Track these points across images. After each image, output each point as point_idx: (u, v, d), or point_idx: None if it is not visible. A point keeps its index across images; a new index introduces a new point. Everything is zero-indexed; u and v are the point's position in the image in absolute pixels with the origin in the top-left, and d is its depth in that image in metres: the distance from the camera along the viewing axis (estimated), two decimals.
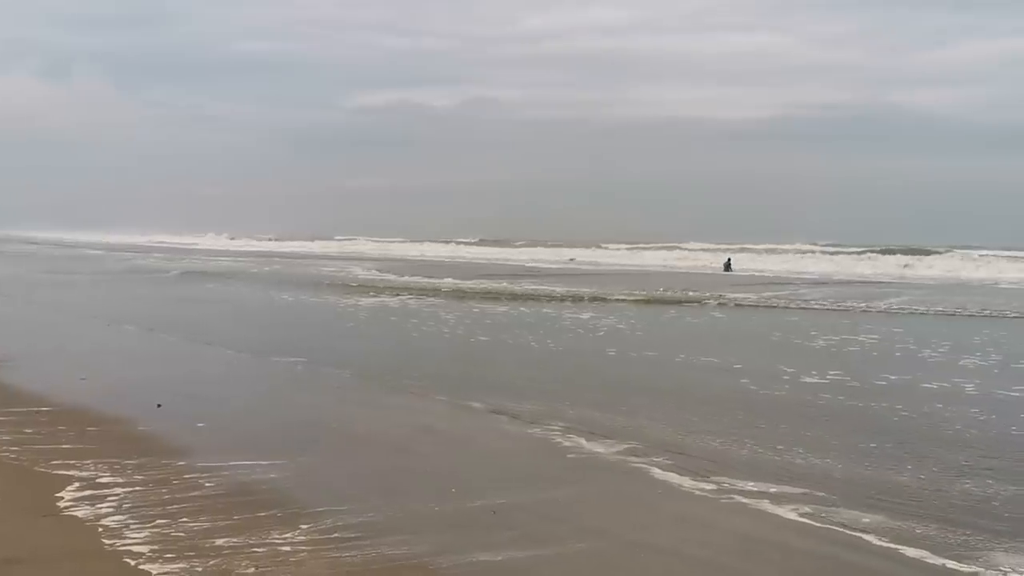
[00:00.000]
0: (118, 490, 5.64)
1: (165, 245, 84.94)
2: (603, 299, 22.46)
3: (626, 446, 7.18)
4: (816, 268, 44.83)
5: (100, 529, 4.89)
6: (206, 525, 5.04)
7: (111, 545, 4.65)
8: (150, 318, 17.25)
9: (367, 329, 16.48)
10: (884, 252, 49.48)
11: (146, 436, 7.28)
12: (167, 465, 6.32)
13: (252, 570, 4.39)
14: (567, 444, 7.32)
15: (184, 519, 5.12)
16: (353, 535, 4.99)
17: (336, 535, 4.98)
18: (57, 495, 5.49)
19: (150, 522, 5.04)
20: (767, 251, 57.35)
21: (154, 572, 4.34)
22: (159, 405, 8.52)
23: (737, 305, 20.98)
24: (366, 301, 21.53)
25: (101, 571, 4.40)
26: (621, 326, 16.51)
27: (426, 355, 12.68)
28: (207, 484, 5.88)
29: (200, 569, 4.40)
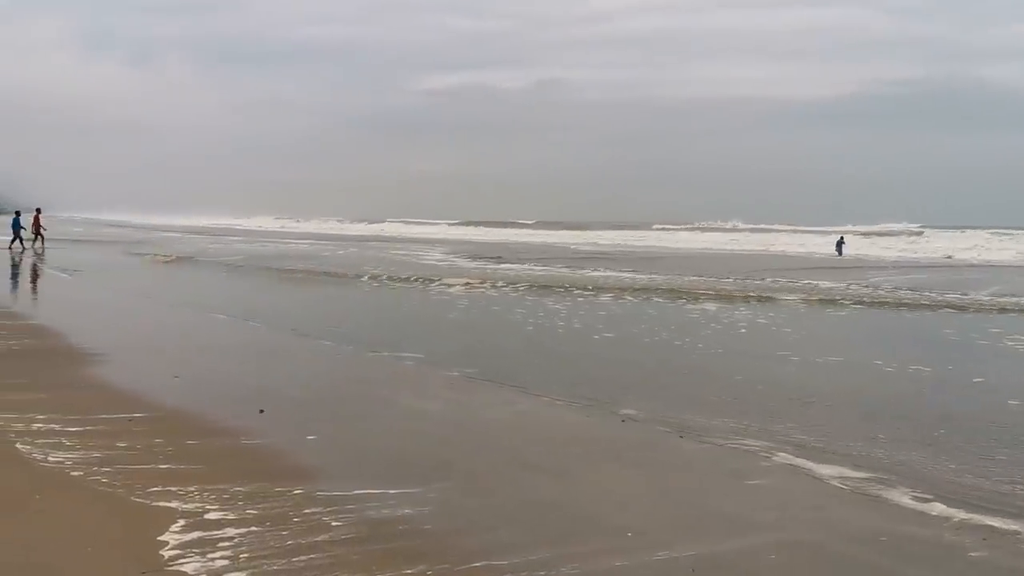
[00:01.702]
0: (231, 531, 4.61)
1: (238, 228, 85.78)
2: (735, 297, 21.09)
3: (869, 475, 5.96)
4: (927, 250, 42.66)
5: None
6: None
7: None
8: (234, 305, 16.55)
9: (468, 319, 15.46)
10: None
11: (253, 452, 6.29)
12: (282, 494, 5.29)
13: None
14: (766, 464, 6.14)
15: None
16: None
17: None
18: (159, 538, 4.48)
19: None
20: (863, 234, 55.13)
21: None
22: (261, 411, 7.58)
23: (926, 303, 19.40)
24: (453, 288, 20.56)
25: None
26: (762, 321, 15.20)
27: (551, 353, 11.55)
28: (334, 524, 4.82)
29: None
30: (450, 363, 10.13)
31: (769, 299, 18.93)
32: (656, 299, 18.95)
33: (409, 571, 4.21)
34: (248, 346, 11.70)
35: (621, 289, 20.65)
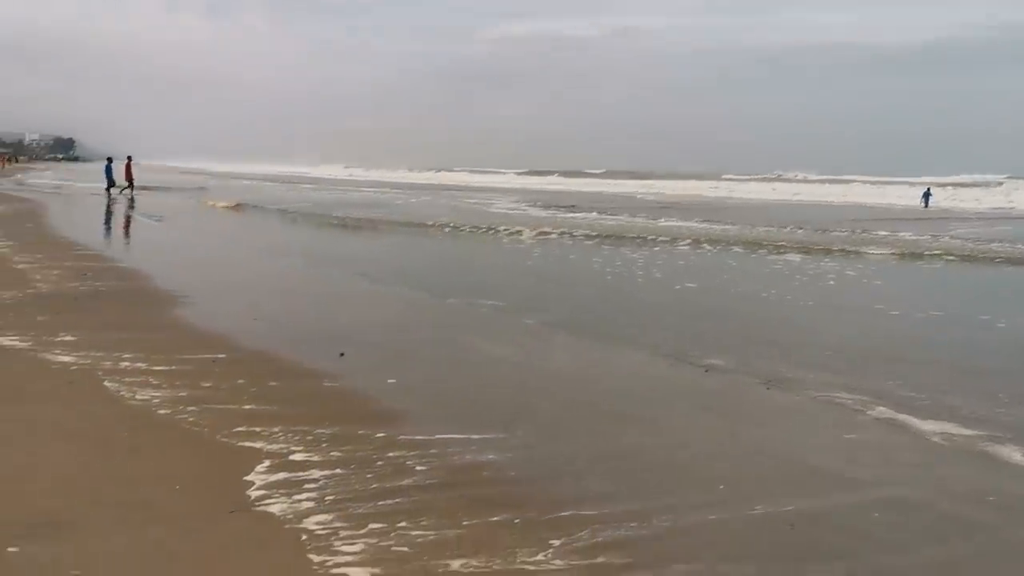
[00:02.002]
0: (316, 473, 4.57)
1: (309, 176, 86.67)
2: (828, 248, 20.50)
3: (976, 432, 5.67)
4: (1018, 202, 40.93)
5: (303, 536, 3.80)
6: (431, 536, 3.87)
7: (321, 565, 3.55)
8: (309, 251, 16.68)
9: (544, 267, 15.30)
10: None
11: (334, 395, 6.26)
12: (365, 437, 5.23)
13: None
14: (862, 418, 5.86)
15: (403, 523, 3.98)
16: (622, 559, 3.73)
17: (601, 559, 3.72)
18: (246, 478, 4.46)
19: (362, 527, 3.92)
20: (948, 185, 53.01)
21: None
22: (342, 354, 7.55)
23: None
24: (526, 236, 20.37)
25: None
26: (851, 273, 14.68)
27: (630, 302, 11.41)
28: (418, 468, 4.74)
29: None
30: (527, 311, 9.98)
31: (856, 252, 18.30)
32: (735, 249, 18.50)
33: (495, 519, 4.10)
34: (325, 291, 11.75)
35: (696, 240, 20.21)
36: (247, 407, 5.76)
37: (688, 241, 19.69)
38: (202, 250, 16.95)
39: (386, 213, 28.77)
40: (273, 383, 6.44)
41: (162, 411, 5.56)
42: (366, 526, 3.92)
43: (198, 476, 4.48)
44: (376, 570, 3.51)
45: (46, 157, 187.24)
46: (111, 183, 34.01)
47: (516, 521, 4.09)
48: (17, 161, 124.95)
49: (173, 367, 6.71)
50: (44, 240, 16.04)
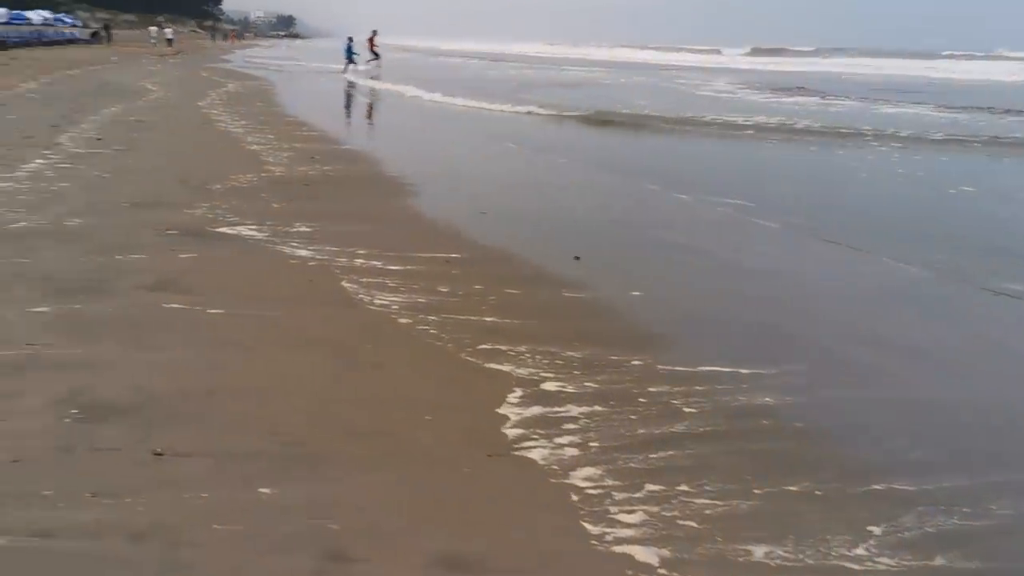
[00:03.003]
0: (573, 410, 4.07)
1: (511, 53, 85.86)
2: None
3: None
4: None
5: (574, 496, 3.31)
6: (720, 506, 3.28)
7: (600, 539, 3.04)
8: (530, 137, 16.13)
9: (779, 162, 14.05)
10: None
11: (577, 308, 5.73)
12: (620, 365, 4.67)
13: None
14: None
15: (683, 486, 3.41)
16: (967, 562, 3.00)
17: (940, 560, 3.00)
18: (498, 411, 4.02)
19: (637, 488, 3.38)
20: None
21: None
22: (577, 257, 7.01)
23: None
24: (747, 127, 18.84)
25: None
26: None
27: (893, 208, 10.16)
28: (686, 410, 4.13)
29: None
30: (774, 213, 8.99)
31: None
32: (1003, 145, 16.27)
33: (791, 487, 3.46)
34: (551, 182, 11.19)
35: (960, 140, 17.93)
36: (488, 319, 5.33)
37: (940, 135, 17.52)
38: (426, 133, 16.82)
39: (596, 95, 27.72)
40: (511, 290, 5.99)
41: (402, 320, 5.23)
42: (642, 488, 3.38)
43: (448, 404, 4.09)
44: (664, 552, 2.97)
45: (268, 34, 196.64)
46: (351, 60, 34.96)
47: (817, 492, 3.43)
48: (243, 38, 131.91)
49: (408, 267, 6.40)
50: (273, 120, 16.40)
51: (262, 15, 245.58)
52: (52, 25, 61.60)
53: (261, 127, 14.88)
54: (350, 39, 36.43)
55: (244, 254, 6.52)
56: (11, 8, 54.13)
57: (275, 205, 8.31)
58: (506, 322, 5.29)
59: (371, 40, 36.44)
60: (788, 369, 4.73)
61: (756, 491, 3.41)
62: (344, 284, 5.86)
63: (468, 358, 4.68)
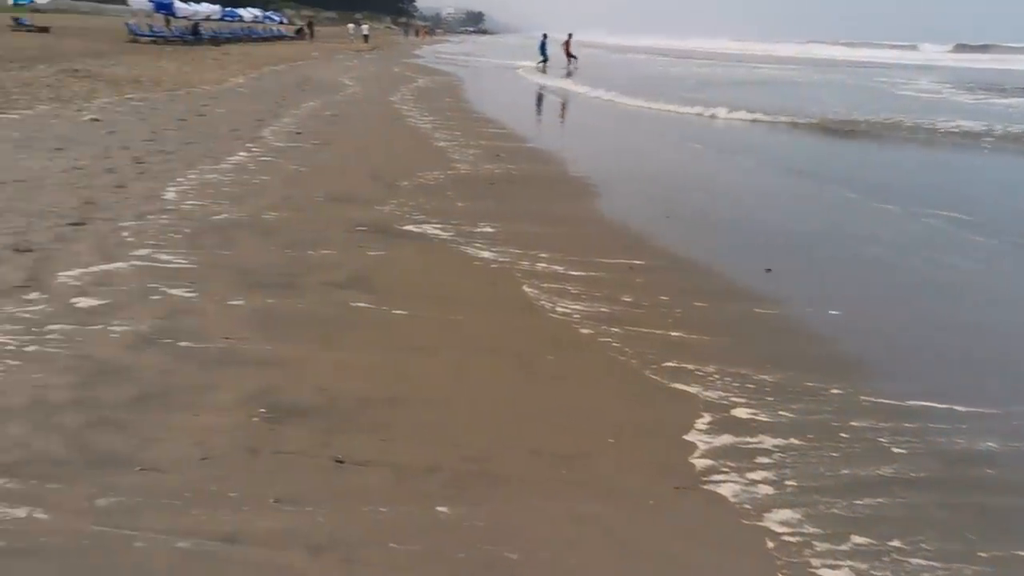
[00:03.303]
0: (767, 441, 3.77)
1: (701, 50, 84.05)
2: None
3: None
4: None
5: (769, 543, 3.03)
6: (940, 570, 2.91)
7: None
8: (715, 139, 15.58)
9: (1002, 171, 12.87)
10: None
11: (770, 326, 5.37)
12: (817, 393, 4.31)
13: None
14: None
15: (894, 541, 3.05)
16: None
17: None
18: (685, 437, 3.78)
19: (842, 539, 3.05)
20: None
21: None
22: (768, 270, 6.62)
23: None
24: (963, 134, 17.38)
25: None
26: None
27: None
28: (895, 450, 3.74)
29: None
30: (993, 229, 8.18)
31: None
32: None
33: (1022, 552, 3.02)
34: (739, 186, 10.73)
35: None
36: (674, 334, 5.08)
37: None
38: (609, 133, 16.62)
39: (790, 97, 26.54)
40: (698, 303, 5.70)
41: (584, 329, 5.07)
42: (847, 539, 3.06)
43: (631, 427, 3.89)
44: None
45: (458, 30, 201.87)
46: (545, 58, 35.39)
47: None
48: (433, 34, 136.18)
49: (590, 272, 6.24)
50: (460, 116, 16.67)
51: (452, 11, 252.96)
52: (261, 22, 65.83)
53: (448, 123, 15.15)
54: (545, 35, 36.79)
55: (429, 253, 6.56)
56: (224, 5, 58.20)
57: (460, 204, 8.36)
58: (693, 338, 5.03)
59: (567, 44, 36.74)
60: (1016, 411, 4.22)
61: (981, 554, 3.01)
62: (525, 289, 5.77)
63: (652, 376, 4.46)
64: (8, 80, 17.19)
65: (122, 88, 17.42)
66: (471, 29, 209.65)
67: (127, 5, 49.22)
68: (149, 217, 6.93)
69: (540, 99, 23.94)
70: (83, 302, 4.83)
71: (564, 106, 21.99)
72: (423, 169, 10.08)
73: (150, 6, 45.49)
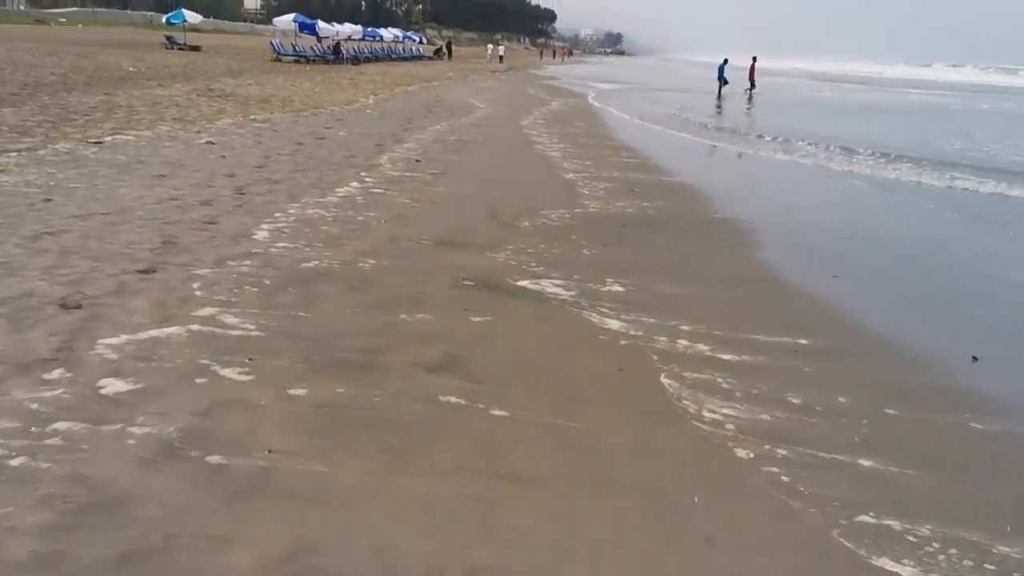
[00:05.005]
0: None
1: (853, 74, 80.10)
2: None
3: None
4: None
5: None
6: None
7: None
8: (880, 177, 13.84)
9: None
10: None
11: (996, 452, 3.96)
12: None
13: None
14: None
15: None
16: None
17: None
18: None
19: None
20: None
21: None
22: (975, 359, 5.17)
23: None
24: None
25: None
26: None
27: None
28: None
29: None
30: None
31: None
32: None
33: None
34: (920, 236, 9.15)
35: None
36: (865, 463, 3.75)
37: None
38: (757, 168, 15.11)
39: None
40: (890, 410, 4.34)
41: (740, 451, 3.80)
42: None
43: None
44: None
45: (596, 51, 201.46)
46: (724, 82, 34.12)
47: None
48: (571, 55, 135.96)
49: (744, 356, 4.95)
50: (593, 143, 15.53)
51: (591, 32, 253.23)
52: (401, 42, 66.74)
53: (579, 151, 14.03)
54: (725, 60, 35.36)
55: (545, 321, 5.41)
56: (367, 26, 59.20)
57: (586, 252, 7.20)
58: (892, 471, 3.68)
59: (751, 67, 35.34)
60: None
61: None
62: (664, 380, 4.53)
63: (843, 540, 3.15)
64: (140, 98, 17.18)
65: (249, 108, 17.12)
66: (608, 50, 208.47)
67: (273, 26, 50.71)
68: (230, 263, 6.06)
69: (682, 126, 22.46)
70: (111, 386, 3.90)
71: (711, 134, 20.42)
72: (547, 206, 8.98)
73: (294, 26, 46.59)
